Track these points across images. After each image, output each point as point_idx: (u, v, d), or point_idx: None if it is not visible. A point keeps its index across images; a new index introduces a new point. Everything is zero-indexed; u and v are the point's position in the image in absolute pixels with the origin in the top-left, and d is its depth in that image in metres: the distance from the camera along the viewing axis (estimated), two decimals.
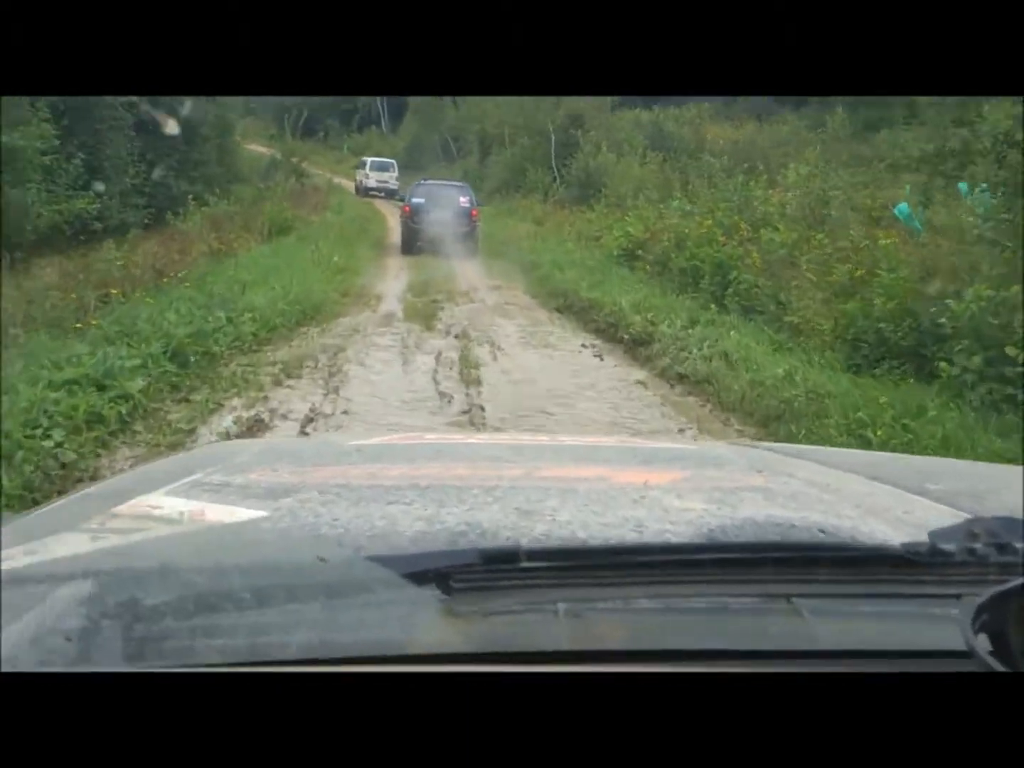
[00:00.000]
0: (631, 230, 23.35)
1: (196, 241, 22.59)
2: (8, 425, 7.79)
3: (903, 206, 17.12)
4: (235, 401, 10.63)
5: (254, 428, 9.44)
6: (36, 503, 5.59)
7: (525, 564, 1.34)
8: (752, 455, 2.76)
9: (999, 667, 1.07)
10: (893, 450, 7.48)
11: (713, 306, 15.75)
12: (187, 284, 16.38)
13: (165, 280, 16.99)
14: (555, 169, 40.11)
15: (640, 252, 21.63)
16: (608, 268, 21.31)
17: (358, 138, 66.88)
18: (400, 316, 17.32)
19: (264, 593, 1.27)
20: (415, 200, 29.92)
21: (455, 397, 11.13)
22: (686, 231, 19.91)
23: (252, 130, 50.75)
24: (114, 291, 15.26)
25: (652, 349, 13.84)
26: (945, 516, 1.72)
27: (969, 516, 1.57)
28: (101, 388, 9.48)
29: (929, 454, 7.21)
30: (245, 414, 9.99)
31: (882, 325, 11.55)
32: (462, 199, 30.15)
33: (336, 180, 49.23)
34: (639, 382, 12.52)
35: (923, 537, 1.42)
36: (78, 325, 12.59)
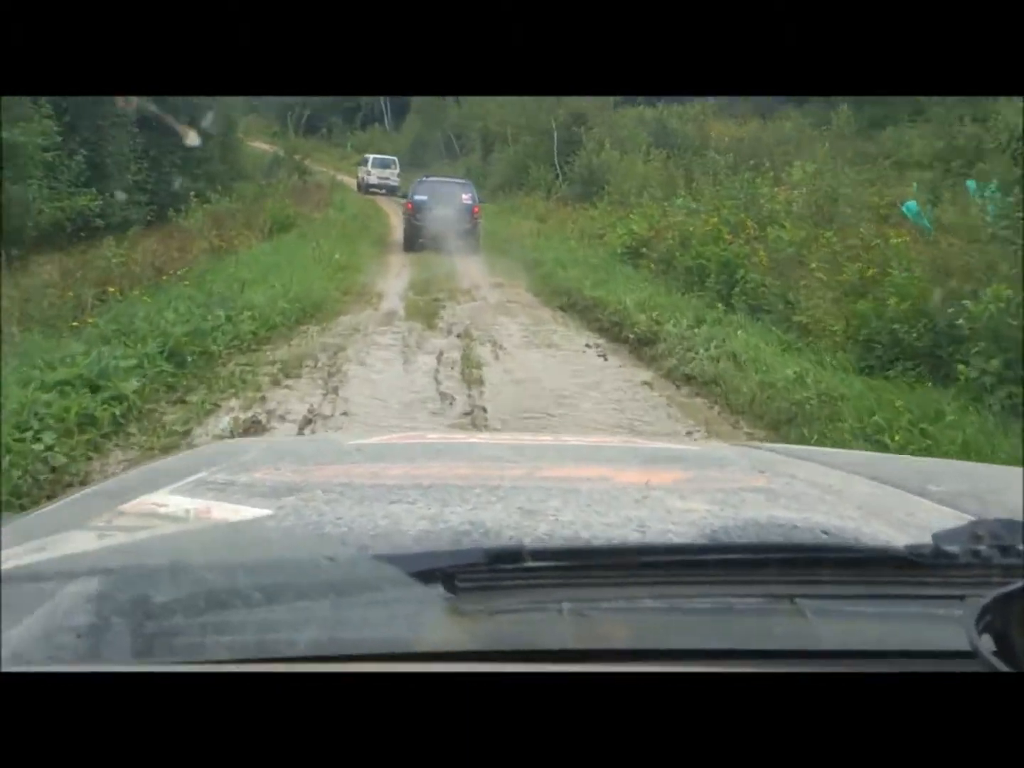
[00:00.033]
0: (635, 228, 23.13)
1: (197, 238, 22.59)
2: None
3: (912, 204, 17.00)
4: (232, 402, 10.42)
5: (251, 430, 9.23)
6: (24, 509, 5.41)
7: (530, 564, 1.34)
8: (754, 456, 2.76)
9: (1003, 668, 1.08)
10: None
11: (720, 305, 15.49)
12: (186, 282, 16.24)
13: (164, 278, 16.88)
14: (558, 166, 39.98)
15: (644, 250, 21.38)
16: (612, 266, 21.08)
17: (361, 135, 66.96)
18: (401, 314, 17.12)
19: (272, 590, 1.28)
20: (418, 197, 29.91)
21: (457, 398, 10.91)
22: (691, 229, 19.67)
23: (255, 127, 50.77)
24: (112, 289, 15.19)
25: (657, 349, 13.57)
26: (947, 518, 1.74)
27: (972, 518, 1.58)
28: (95, 389, 9.26)
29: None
30: (242, 415, 9.79)
31: (896, 326, 11.25)
32: (464, 196, 30.15)
33: (339, 177, 49.26)
34: (645, 383, 12.26)
35: (926, 538, 1.41)
36: (74, 324, 12.42)
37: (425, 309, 17.50)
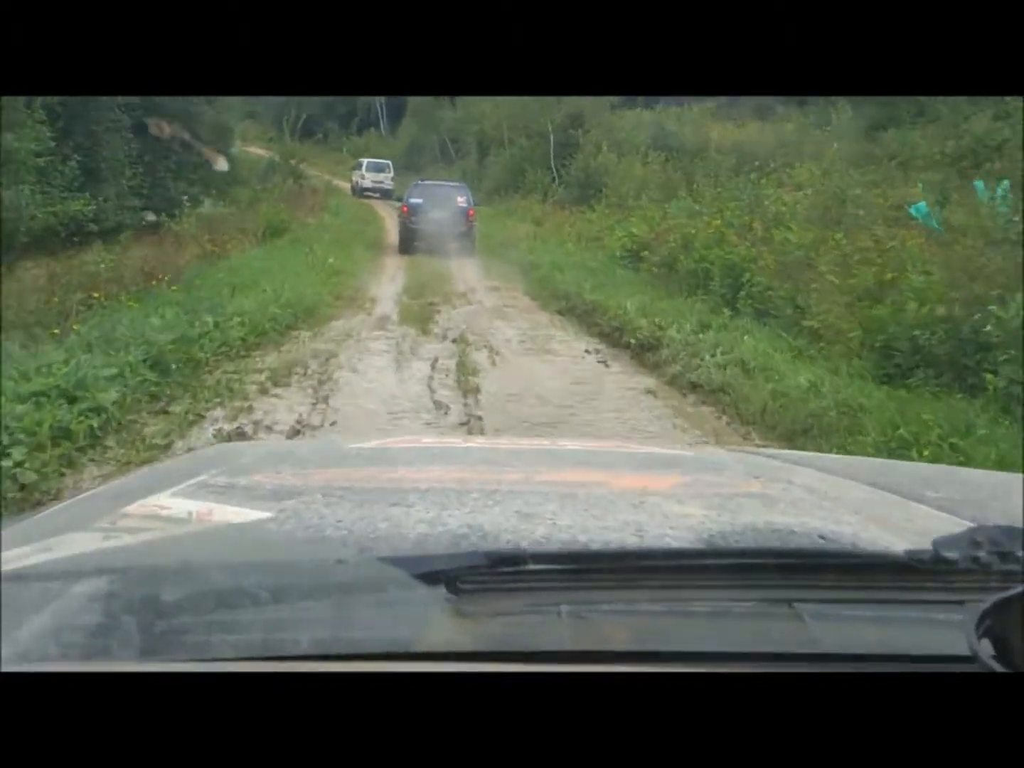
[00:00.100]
0: (635, 231, 22.92)
1: (189, 243, 22.47)
2: None
3: (921, 205, 16.65)
4: (217, 412, 9.97)
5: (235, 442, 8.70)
6: None
7: (530, 567, 1.36)
8: (750, 461, 2.81)
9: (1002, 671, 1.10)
10: None
11: (725, 310, 15.05)
12: (175, 288, 15.90)
13: (154, 283, 16.65)
14: (554, 169, 39.95)
15: (645, 253, 21.05)
16: (611, 270, 20.80)
17: (357, 140, 67.42)
18: (395, 319, 16.71)
19: (276, 591, 1.29)
20: (413, 200, 30.04)
21: (451, 407, 10.47)
22: (693, 231, 19.37)
23: (251, 133, 50.63)
24: (97, 295, 14.86)
25: (660, 355, 13.10)
26: (945, 523, 1.75)
27: (970, 524, 1.60)
28: (71, 400, 8.75)
29: None
30: (227, 426, 9.35)
31: (916, 332, 10.71)
32: (460, 199, 30.28)
33: (335, 182, 49.61)
34: (648, 391, 11.76)
35: (924, 544, 1.42)
36: (55, 331, 11.94)
37: (420, 314, 17.11)
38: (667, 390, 11.83)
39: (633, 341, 14.11)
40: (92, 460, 8.15)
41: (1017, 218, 11.58)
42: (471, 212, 30.21)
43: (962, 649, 1.13)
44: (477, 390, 11.33)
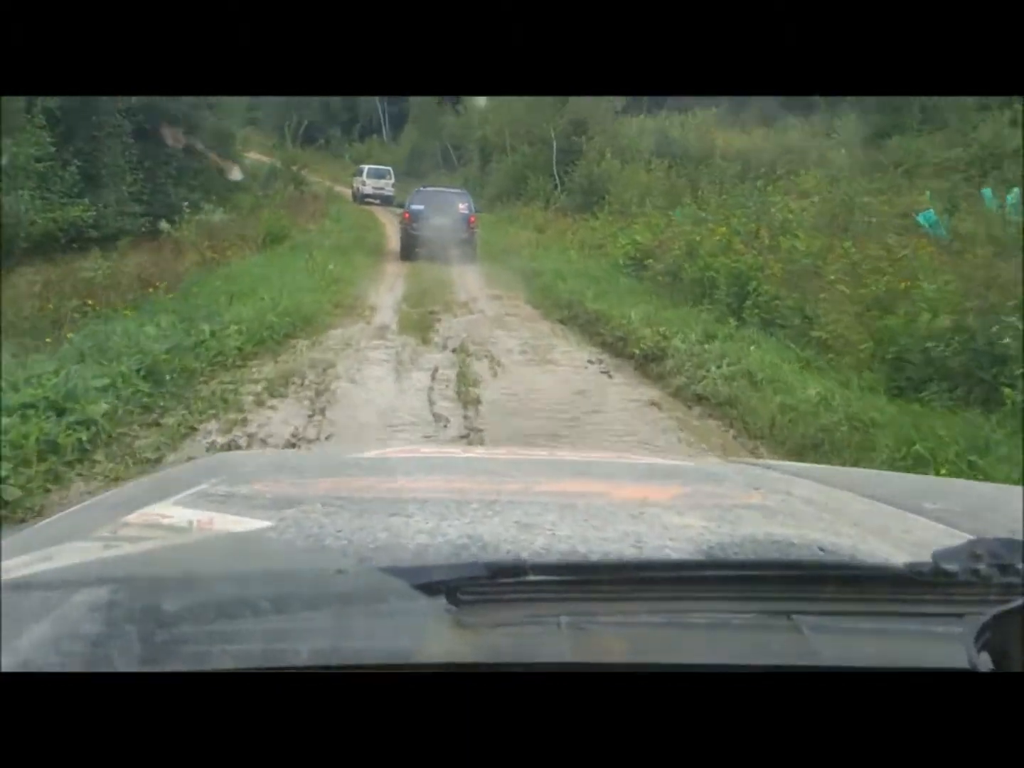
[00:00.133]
0: (638, 238, 22.73)
1: (189, 250, 22.42)
2: None
3: (929, 213, 16.47)
4: (211, 424, 9.73)
5: None
6: None
7: (530, 578, 1.36)
8: (749, 472, 2.82)
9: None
10: None
11: (731, 319, 14.77)
12: (171, 295, 15.71)
13: (151, 291, 16.45)
14: (557, 176, 39.92)
15: (649, 261, 20.80)
16: (614, 278, 20.59)
17: (359, 147, 67.56)
18: (395, 328, 16.46)
19: (276, 601, 1.28)
20: (414, 206, 30.01)
21: (451, 420, 10.22)
22: (698, 239, 19.08)
23: (253, 139, 50.47)
24: (92, 302, 14.67)
25: (665, 366, 12.81)
26: (944, 535, 1.77)
27: (968, 535, 1.62)
28: (60, 412, 8.51)
29: None
30: (220, 439, 9.12)
31: (929, 343, 10.40)
32: (461, 205, 30.31)
33: (336, 188, 49.70)
34: (652, 403, 11.48)
35: (923, 556, 1.43)
36: (48, 340, 11.66)
37: (420, 322, 16.87)
38: (672, 402, 11.57)
39: (637, 351, 13.83)
40: (80, 475, 7.89)
41: None
42: (472, 219, 30.15)
43: (961, 662, 1.16)
44: (477, 401, 11.10)
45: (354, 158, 61.76)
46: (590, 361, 14.17)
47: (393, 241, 32.72)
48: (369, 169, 52.19)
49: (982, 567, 1.38)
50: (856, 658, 1.29)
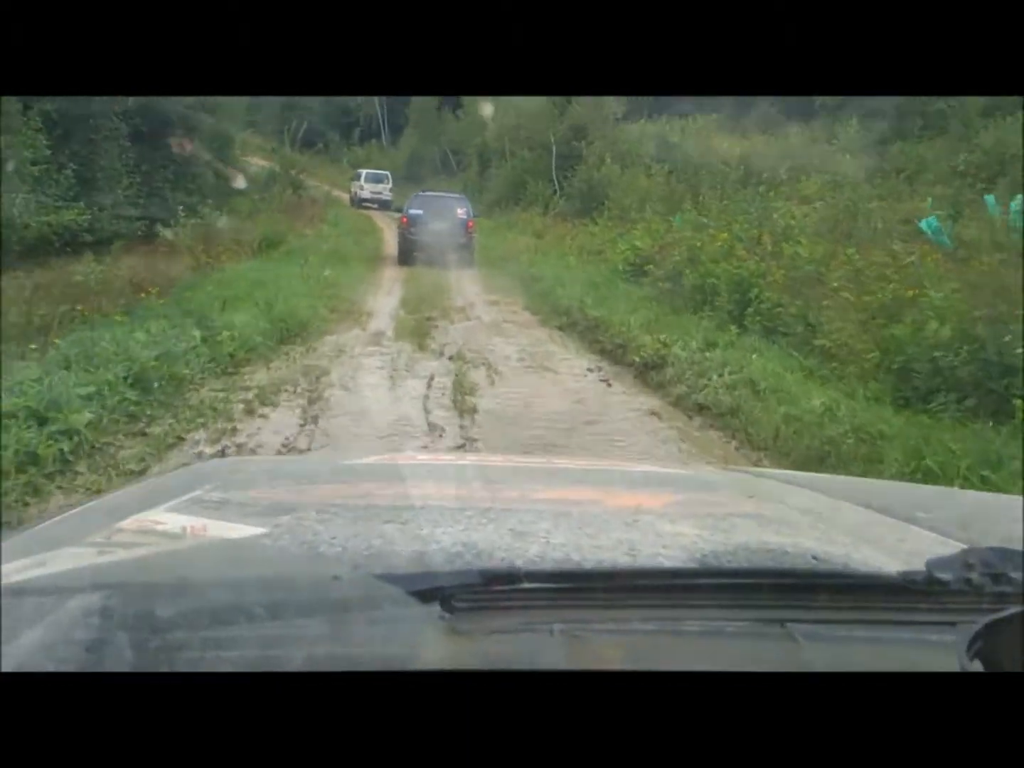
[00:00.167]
0: (638, 243, 22.52)
1: (183, 254, 22.20)
2: None
3: (932, 219, 16.19)
4: (199, 434, 9.45)
5: None
6: None
7: (525, 585, 1.38)
8: (743, 480, 2.88)
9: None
10: None
11: (732, 327, 14.49)
12: (163, 300, 15.43)
13: (143, 295, 16.12)
14: (556, 182, 39.72)
15: (649, 267, 20.56)
16: (614, 284, 20.32)
17: (358, 151, 67.57)
18: (390, 335, 16.25)
19: (271, 608, 1.28)
20: (413, 211, 30.29)
21: (447, 429, 9.97)
22: (699, 245, 18.86)
23: (251, 143, 50.33)
24: (82, 307, 14.40)
25: (665, 374, 12.57)
26: (937, 544, 1.79)
27: (960, 544, 1.67)
28: (42, 422, 8.22)
29: None
30: (208, 450, 8.83)
31: (937, 353, 10.10)
32: (459, 210, 30.59)
33: (335, 193, 49.84)
34: (652, 412, 11.23)
35: (916, 564, 1.45)
36: (33, 346, 11.34)
37: (416, 329, 16.65)
38: (672, 412, 11.34)
39: (636, 359, 13.60)
40: (60, 487, 7.60)
41: None
42: (471, 224, 30.35)
43: (954, 670, 1.18)
44: (474, 411, 10.84)
45: (353, 162, 61.82)
46: (589, 369, 13.97)
47: (390, 246, 32.71)
48: (367, 174, 52.36)
49: (975, 576, 1.40)
50: (849, 666, 1.31)
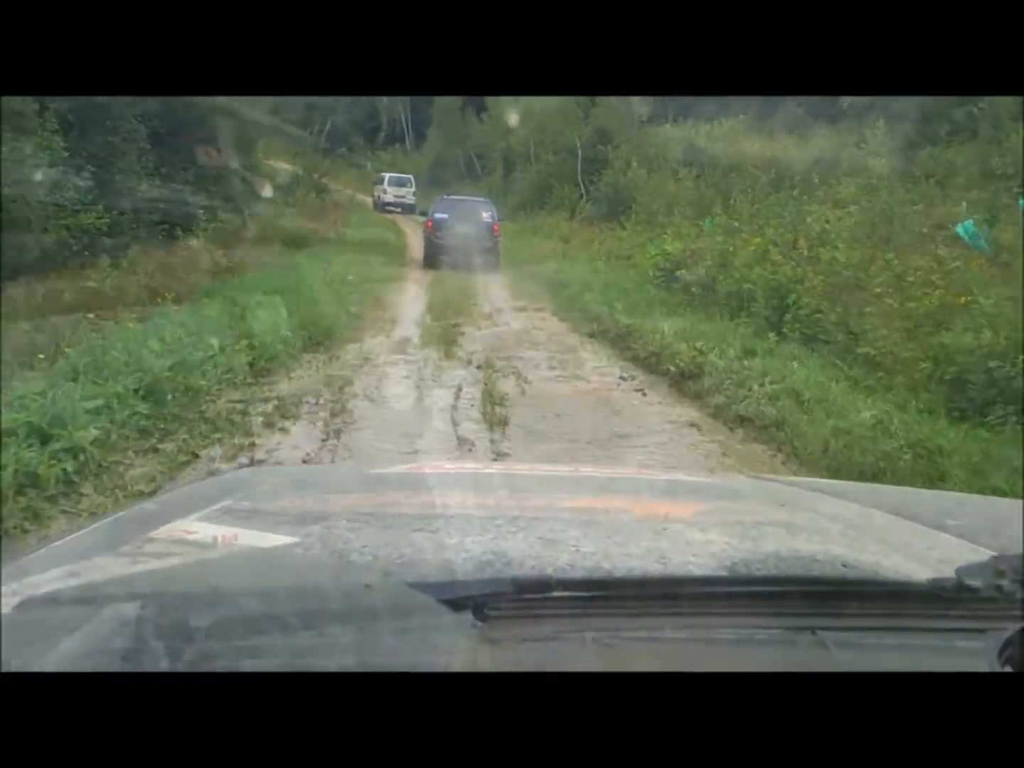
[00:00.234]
0: (669, 248, 22.12)
1: (203, 259, 21.93)
2: None
3: (968, 224, 15.66)
4: (215, 450, 8.94)
5: None
6: None
7: (556, 593, 1.40)
8: (773, 489, 2.87)
9: None
10: None
11: (770, 334, 14.08)
12: (176, 307, 15.00)
13: (159, 301, 15.67)
14: (582, 186, 39.66)
15: (680, 272, 20.11)
16: (644, 289, 19.96)
17: (382, 155, 67.83)
18: (416, 342, 15.80)
19: (303, 616, 1.30)
20: (438, 215, 30.25)
21: (476, 443, 9.48)
22: (731, 249, 18.52)
23: (275, 146, 50.19)
24: (94, 314, 13.97)
25: (702, 383, 12.09)
26: (966, 551, 1.77)
27: (989, 552, 1.60)
28: (45, 439, 7.66)
29: None
30: (223, 467, 8.27)
31: (992, 363, 9.58)
32: (484, 214, 30.53)
33: (359, 197, 49.73)
34: (691, 424, 10.74)
35: (946, 572, 1.45)
36: (41, 356, 10.84)
37: (442, 336, 16.20)
38: (712, 424, 10.84)
39: (672, 368, 13.10)
40: (63, 511, 7.04)
41: None
42: (496, 227, 30.23)
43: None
44: (504, 423, 10.35)
45: (377, 167, 61.63)
46: (622, 378, 13.47)
47: (415, 250, 32.64)
48: (390, 177, 52.31)
49: (1005, 583, 1.39)
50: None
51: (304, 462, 8.53)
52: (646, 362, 14.13)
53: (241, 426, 9.73)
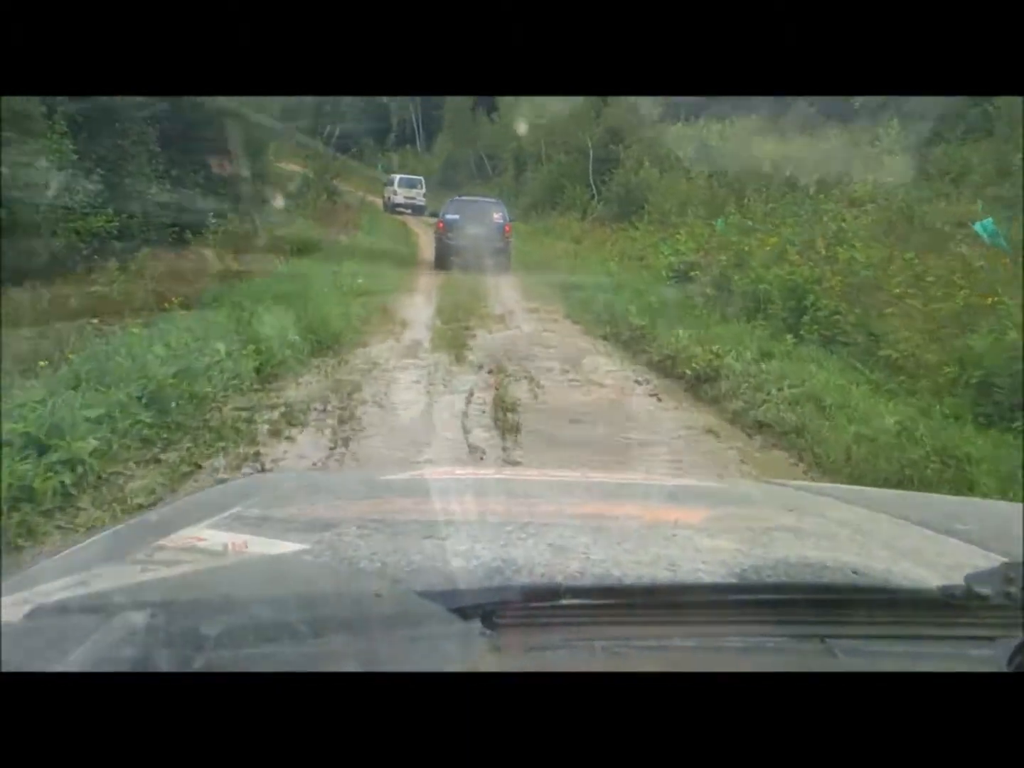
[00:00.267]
0: (682, 248, 22.03)
1: (212, 262, 21.79)
2: None
3: (988, 222, 15.36)
4: (219, 459, 8.65)
5: None
6: None
7: (565, 601, 1.41)
8: (782, 494, 2.84)
9: None
10: None
11: (788, 336, 13.80)
12: (184, 312, 14.85)
13: (166, 306, 15.55)
14: (594, 186, 39.55)
15: (694, 273, 19.90)
16: (658, 291, 19.51)
17: (393, 156, 67.68)
18: (427, 346, 15.56)
19: (312, 625, 1.30)
20: (449, 216, 30.33)
21: (487, 451, 9.23)
22: (746, 249, 18.28)
23: (285, 148, 50.15)
24: (98, 319, 13.77)
25: (719, 388, 11.83)
26: (976, 557, 1.78)
27: (1000, 557, 1.65)
28: (42, 450, 7.34)
29: None
30: (227, 478, 7.86)
31: (1020, 366, 9.25)
32: (496, 215, 30.52)
33: (369, 198, 49.89)
34: (709, 430, 10.47)
35: (955, 578, 1.44)
36: (43, 363, 10.60)
37: (453, 339, 15.97)
38: (730, 430, 10.56)
39: (687, 371, 12.84)
40: (59, 527, 6.75)
41: None
42: (507, 228, 30.27)
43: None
44: (516, 430, 10.09)
45: (388, 168, 61.53)
46: (637, 382, 13.23)
47: (426, 252, 32.56)
48: (400, 179, 52.32)
49: (1014, 590, 1.37)
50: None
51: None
52: (661, 365, 13.88)
53: (246, 434, 9.48)
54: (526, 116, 45.95)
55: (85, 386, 9.34)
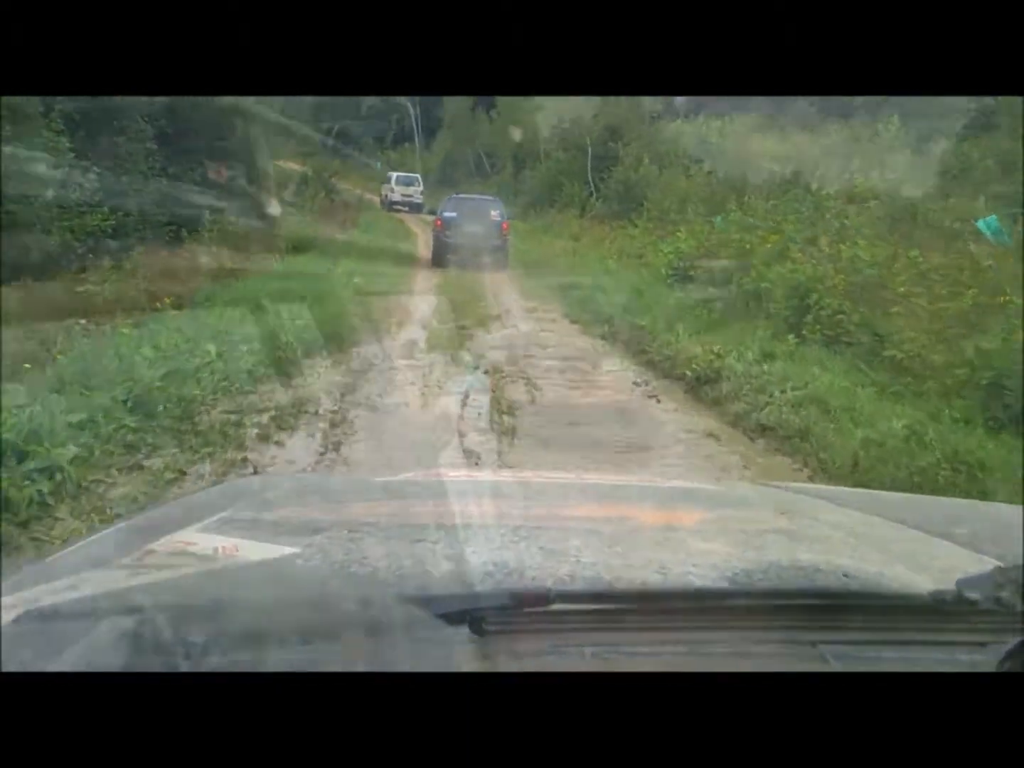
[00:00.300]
0: (682, 246, 21.69)
1: (207, 260, 21.62)
2: None
3: (992, 219, 15.19)
4: (204, 466, 8.37)
5: None
6: None
7: (555, 607, 1.38)
8: (776, 496, 2.87)
9: None
10: None
11: (790, 336, 13.55)
12: (175, 311, 14.66)
13: (158, 305, 15.30)
14: (592, 183, 39.32)
15: (694, 271, 19.72)
16: (657, 289, 19.39)
17: (391, 154, 67.55)
18: (422, 346, 15.33)
19: (301, 630, 1.30)
20: (447, 214, 30.35)
21: (483, 456, 8.99)
22: (748, 247, 18.06)
23: (285, 147, 50.09)
24: (87, 320, 13.55)
25: (720, 389, 11.60)
26: (970, 560, 1.81)
27: (994, 561, 1.66)
28: (20, 457, 7.08)
29: None
30: (211, 485, 7.67)
31: None
32: (493, 213, 30.49)
33: (367, 196, 49.89)
34: (709, 434, 10.23)
35: (948, 582, 1.44)
36: (27, 365, 10.35)
37: (450, 339, 15.75)
38: (731, 433, 10.35)
39: (687, 372, 12.62)
40: (33, 539, 6.46)
41: None
42: (505, 226, 30.32)
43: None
44: (512, 433, 9.88)
45: (386, 166, 61.37)
46: (635, 383, 13.02)
47: (424, 251, 32.44)
48: (398, 176, 52.30)
49: (1005, 595, 1.38)
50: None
51: None
52: (660, 366, 13.68)
53: (234, 439, 9.20)
54: (525, 114, 45.94)
55: (69, 389, 9.11)
